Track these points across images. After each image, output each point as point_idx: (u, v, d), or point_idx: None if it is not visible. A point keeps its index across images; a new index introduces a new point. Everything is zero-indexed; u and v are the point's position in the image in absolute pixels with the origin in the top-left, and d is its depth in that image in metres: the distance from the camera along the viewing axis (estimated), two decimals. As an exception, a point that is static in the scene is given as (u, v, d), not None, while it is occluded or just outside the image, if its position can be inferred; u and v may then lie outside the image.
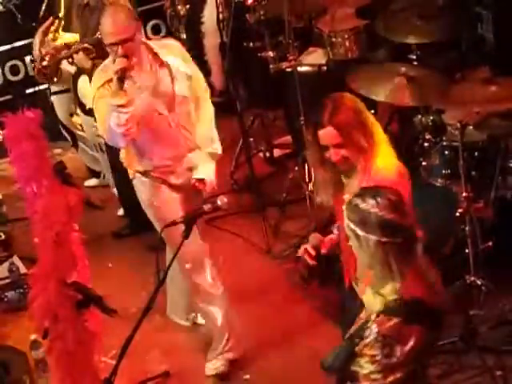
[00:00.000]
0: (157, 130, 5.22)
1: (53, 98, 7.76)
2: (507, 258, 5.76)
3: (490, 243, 5.75)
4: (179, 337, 6.18)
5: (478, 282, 5.63)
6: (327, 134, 4.30)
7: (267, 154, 7.89)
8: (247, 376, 5.68)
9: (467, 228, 5.55)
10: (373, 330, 3.40)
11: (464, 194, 5.53)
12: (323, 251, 4.26)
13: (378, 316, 3.42)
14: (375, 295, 3.52)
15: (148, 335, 5.73)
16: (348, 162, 4.29)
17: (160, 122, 5.23)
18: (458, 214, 5.56)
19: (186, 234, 4.34)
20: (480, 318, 5.58)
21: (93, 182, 8.10)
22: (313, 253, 4.26)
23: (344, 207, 3.59)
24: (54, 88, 7.71)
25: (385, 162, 4.31)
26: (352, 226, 3.49)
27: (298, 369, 5.62)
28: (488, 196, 5.78)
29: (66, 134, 7.85)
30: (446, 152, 5.81)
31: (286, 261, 6.50)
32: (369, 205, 3.47)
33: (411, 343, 3.40)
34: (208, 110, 5.47)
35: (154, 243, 6.54)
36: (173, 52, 5.27)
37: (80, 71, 7.01)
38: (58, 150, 8.05)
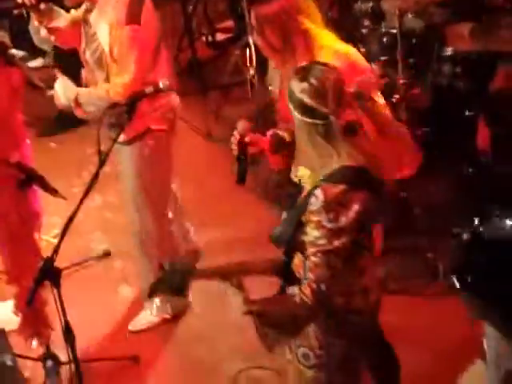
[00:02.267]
0: None
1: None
2: (440, 143, 5.82)
3: (425, 129, 5.81)
4: (121, 217, 6.22)
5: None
6: (253, 20, 4.30)
7: (210, 38, 7.84)
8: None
9: (403, 113, 5.59)
10: (319, 196, 3.38)
11: (401, 81, 5.56)
12: (247, 140, 4.18)
13: (323, 184, 3.43)
14: (315, 173, 3.54)
15: (90, 215, 5.78)
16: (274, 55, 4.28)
17: None
18: (394, 99, 5.58)
19: (129, 117, 4.33)
20: (413, 203, 5.67)
21: (37, 62, 7.99)
22: (236, 138, 4.18)
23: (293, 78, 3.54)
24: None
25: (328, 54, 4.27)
26: (290, 105, 3.50)
27: (241, 241, 5.73)
28: (424, 82, 5.83)
29: None
30: (385, 39, 5.81)
31: (226, 144, 6.51)
32: (296, 86, 3.49)
33: (355, 208, 3.40)
34: None
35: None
36: None
37: None
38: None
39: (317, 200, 3.39)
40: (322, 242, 3.39)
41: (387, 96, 5.53)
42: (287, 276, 3.61)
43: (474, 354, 3.95)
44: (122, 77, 4.75)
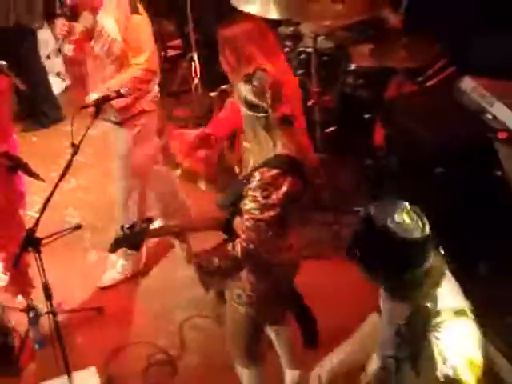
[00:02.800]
0: None
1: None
2: (345, 140, 5.88)
3: (333, 128, 5.86)
4: (90, 196, 6.20)
5: (323, 157, 5.75)
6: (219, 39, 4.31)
7: (163, 54, 7.79)
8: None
9: (316, 115, 5.64)
10: (256, 177, 3.46)
11: (315, 90, 5.59)
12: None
13: (261, 167, 3.47)
14: (255, 159, 3.58)
15: (65, 195, 5.74)
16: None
17: None
18: (309, 104, 5.62)
19: (96, 116, 4.30)
20: (323, 185, 5.69)
21: None
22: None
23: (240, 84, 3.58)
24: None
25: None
26: (239, 102, 3.53)
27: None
28: (333, 91, 5.86)
29: None
30: (302, 56, 5.82)
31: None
32: (243, 88, 3.53)
33: (284, 189, 3.47)
34: None
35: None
36: None
37: None
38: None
39: (254, 180, 3.46)
40: (255, 212, 3.46)
41: (304, 101, 5.61)
42: (229, 232, 3.65)
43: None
44: (141, 56, 4.75)
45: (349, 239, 2.79)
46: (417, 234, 2.65)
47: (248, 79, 3.55)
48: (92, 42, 4.86)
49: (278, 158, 3.50)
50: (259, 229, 3.48)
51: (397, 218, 2.67)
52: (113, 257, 5.32)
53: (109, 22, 4.77)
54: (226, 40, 4.22)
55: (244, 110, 3.51)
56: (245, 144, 3.72)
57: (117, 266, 5.37)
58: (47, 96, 7.15)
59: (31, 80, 6.76)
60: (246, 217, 3.50)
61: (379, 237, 2.67)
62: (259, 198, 3.46)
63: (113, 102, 4.64)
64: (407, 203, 2.73)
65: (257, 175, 3.47)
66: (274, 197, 3.47)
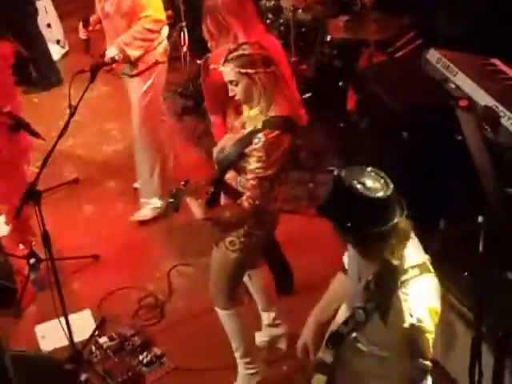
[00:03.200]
0: None
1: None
2: (321, 105, 5.85)
3: (310, 94, 5.83)
4: (88, 153, 6.16)
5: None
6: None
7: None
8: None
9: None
10: (261, 138, 3.46)
11: (293, 59, 5.55)
12: None
13: (264, 129, 3.46)
14: (255, 119, 3.56)
15: (64, 152, 5.70)
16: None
17: None
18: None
19: (92, 80, 4.26)
20: (300, 146, 5.68)
21: None
22: None
23: (226, 61, 3.53)
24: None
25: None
26: (242, 70, 3.48)
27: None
28: (310, 60, 5.83)
29: None
30: (282, 27, 5.79)
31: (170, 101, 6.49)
32: (246, 50, 3.50)
33: (284, 147, 3.51)
34: None
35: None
36: None
37: None
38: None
39: (259, 141, 3.47)
40: (259, 171, 3.50)
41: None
42: (220, 185, 3.67)
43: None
44: (148, 9, 4.72)
45: (322, 198, 2.79)
46: (380, 194, 2.65)
47: (232, 56, 3.51)
48: (102, 2, 4.81)
49: (277, 119, 3.51)
50: (264, 186, 3.53)
51: (363, 179, 2.67)
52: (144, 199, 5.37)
53: None
54: (208, 10, 4.20)
55: (250, 71, 3.47)
56: (245, 113, 3.67)
57: (150, 207, 5.34)
58: (47, 61, 7.07)
59: (32, 47, 6.71)
60: (250, 176, 3.52)
61: (347, 196, 2.67)
62: (264, 158, 3.48)
63: (131, 53, 4.67)
64: (373, 168, 2.73)
65: (261, 136, 3.48)
66: (276, 155, 3.50)
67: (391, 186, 2.68)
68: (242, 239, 3.71)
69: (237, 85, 3.54)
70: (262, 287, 4.28)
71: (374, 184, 2.67)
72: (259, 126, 3.52)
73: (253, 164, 3.51)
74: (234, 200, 3.62)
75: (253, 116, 3.59)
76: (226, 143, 3.68)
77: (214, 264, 3.91)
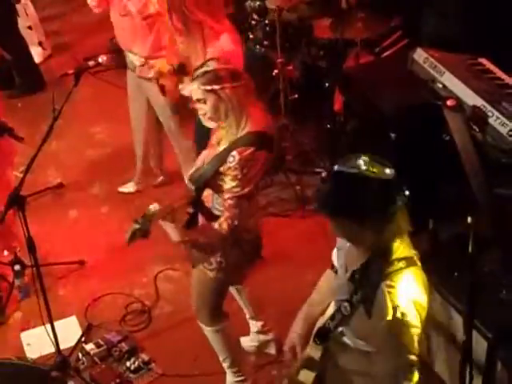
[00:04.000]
0: None
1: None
2: (307, 106, 5.87)
3: (296, 95, 5.83)
4: (71, 158, 6.13)
5: (287, 123, 5.74)
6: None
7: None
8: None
9: (280, 84, 5.61)
10: (235, 156, 3.41)
11: (279, 60, 5.55)
12: None
13: (237, 147, 3.42)
14: (229, 136, 3.52)
15: (48, 156, 5.66)
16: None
17: None
18: (274, 73, 5.58)
19: (76, 84, 4.24)
20: (287, 149, 5.69)
21: None
22: None
23: (193, 79, 3.50)
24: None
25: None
26: (207, 87, 3.43)
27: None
28: (296, 61, 5.83)
29: None
30: (267, 28, 5.76)
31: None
32: (210, 66, 3.47)
33: (259, 164, 3.48)
34: None
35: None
36: None
37: None
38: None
39: (234, 159, 3.42)
40: (237, 189, 3.45)
41: (269, 71, 5.59)
42: (198, 205, 3.63)
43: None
44: None
45: (321, 197, 2.76)
46: (385, 174, 2.65)
47: (197, 73, 3.48)
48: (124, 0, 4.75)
49: (250, 136, 3.46)
50: (241, 204, 3.47)
51: (359, 164, 2.67)
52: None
53: None
54: (173, 6, 4.23)
55: (225, 86, 3.42)
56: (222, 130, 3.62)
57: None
58: (29, 65, 7.03)
59: (13, 50, 6.68)
60: (228, 195, 3.46)
61: (348, 182, 2.66)
62: (239, 176, 3.43)
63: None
64: (370, 155, 2.73)
65: (236, 155, 3.42)
66: (251, 172, 3.46)
67: (392, 168, 2.68)
68: (218, 259, 3.66)
69: (205, 102, 3.47)
70: (248, 300, 4.28)
71: (374, 167, 2.66)
72: (232, 143, 3.47)
73: (229, 183, 3.45)
74: (210, 220, 3.58)
75: (225, 133, 3.54)
76: (201, 161, 3.64)
77: (194, 282, 3.88)
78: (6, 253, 4.88)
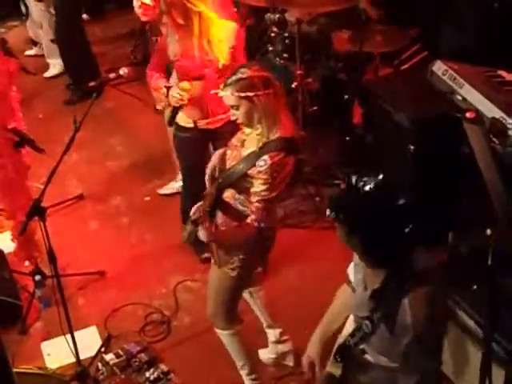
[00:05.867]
0: None
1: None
2: (326, 118, 5.86)
3: (315, 108, 5.83)
4: (92, 169, 6.16)
5: (306, 135, 5.73)
6: (162, 4, 4.40)
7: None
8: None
9: (300, 96, 5.61)
10: (267, 161, 3.45)
11: (298, 72, 5.56)
12: None
13: (269, 152, 3.46)
14: (258, 140, 3.55)
15: (68, 168, 5.70)
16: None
17: None
18: (293, 86, 5.58)
19: (97, 95, 4.27)
20: (306, 161, 5.69)
21: (32, 51, 7.77)
22: None
23: (226, 85, 3.55)
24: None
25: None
26: (241, 94, 3.48)
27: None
28: (315, 73, 5.83)
29: (23, 7, 7.37)
30: (287, 41, 5.77)
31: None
32: (244, 73, 3.50)
33: (288, 169, 3.54)
34: None
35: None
36: None
37: None
38: (3, 30, 7.67)
39: (265, 163, 3.47)
40: (265, 193, 3.51)
41: (288, 83, 5.59)
42: (217, 204, 3.65)
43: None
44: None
45: (332, 204, 2.76)
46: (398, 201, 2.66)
47: (231, 81, 3.52)
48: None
49: (281, 141, 3.51)
50: (269, 207, 3.54)
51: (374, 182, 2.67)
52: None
53: None
54: (173, 4, 4.28)
55: (259, 93, 3.47)
56: (246, 131, 3.67)
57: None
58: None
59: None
60: (256, 198, 3.52)
61: (364, 202, 2.66)
62: (270, 180, 3.48)
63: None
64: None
65: (267, 159, 3.47)
66: (280, 176, 3.52)
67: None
68: (241, 257, 3.70)
69: (238, 109, 3.54)
70: (264, 304, 4.28)
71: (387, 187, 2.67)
72: (263, 147, 3.52)
73: (258, 186, 3.51)
74: (234, 219, 3.62)
75: (254, 137, 3.59)
76: (219, 160, 3.69)
77: (212, 283, 3.90)
78: (27, 263, 4.90)
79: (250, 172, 3.53)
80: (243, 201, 3.61)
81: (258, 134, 3.56)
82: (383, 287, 2.74)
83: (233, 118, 3.59)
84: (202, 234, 3.51)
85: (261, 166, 3.48)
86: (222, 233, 3.63)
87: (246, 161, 3.56)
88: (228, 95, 3.53)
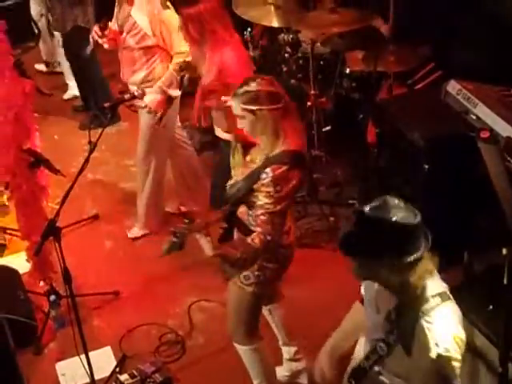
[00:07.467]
0: None
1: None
2: (340, 138, 5.87)
3: (329, 127, 5.85)
4: (106, 190, 6.19)
5: (320, 154, 5.75)
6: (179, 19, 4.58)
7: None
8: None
9: (314, 116, 5.63)
10: (268, 173, 3.47)
11: (312, 92, 5.58)
12: None
13: (271, 164, 3.48)
14: (263, 154, 3.57)
15: (83, 188, 5.73)
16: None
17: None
18: (307, 105, 5.60)
19: (112, 116, 4.31)
20: (320, 180, 5.70)
21: (41, 67, 7.82)
22: None
23: (234, 95, 3.58)
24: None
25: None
26: (246, 106, 3.51)
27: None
28: (329, 93, 5.85)
29: (35, 28, 7.38)
30: (301, 61, 5.81)
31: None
32: (252, 86, 3.53)
33: (293, 182, 3.52)
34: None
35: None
36: None
37: None
38: (19, 51, 7.72)
39: (267, 176, 3.48)
40: (269, 206, 3.49)
41: (302, 103, 5.61)
42: (233, 220, 3.68)
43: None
44: (181, 45, 4.79)
45: (343, 236, 2.76)
46: (409, 220, 2.64)
47: (238, 92, 3.56)
48: (124, 34, 4.96)
49: (284, 154, 3.52)
50: (274, 221, 3.52)
51: (389, 210, 2.66)
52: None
53: (141, 16, 4.85)
54: (190, 17, 4.39)
55: (263, 107, 3.50)
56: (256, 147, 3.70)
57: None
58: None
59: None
60: (260, 211, 3.52)
61: (374, 227, 2.65)
62: (272, 193, 3.48)
63: (173, 93, 4.91)
64: (398, 198, 2.72)
65: (269, 171, 3.48)
66: (284, 190, 3.50)
67: (418, 213, 2.67)
68: (256, 273, 3.71)
69: (244, 118, 3.58)
70: (282, 321, 4.27)
71: (401, 213, 2.66)
72: (266, 160, 3.54)
73: (262, 199, 3.51)
74: (245, 235, 3.63)
75: (259, 151, 3.63)
76: (235, 179, 3.71)
77: (230, 299, 3.91)
78: (41, 283, 4.92)
79: (255, 186, 3.54)
80: (253, 217, 3.62)
81: (261, 147, 3.59)
82: (398, 308, 2.73)
83: (239, 127, 3.62)
84: (207, 248, 3.52)
85: (264, 179, 3.49)
86: (227, 247, 3.61)
87: (252, 175, 3.58)
88: (235, 105, 3.58)
